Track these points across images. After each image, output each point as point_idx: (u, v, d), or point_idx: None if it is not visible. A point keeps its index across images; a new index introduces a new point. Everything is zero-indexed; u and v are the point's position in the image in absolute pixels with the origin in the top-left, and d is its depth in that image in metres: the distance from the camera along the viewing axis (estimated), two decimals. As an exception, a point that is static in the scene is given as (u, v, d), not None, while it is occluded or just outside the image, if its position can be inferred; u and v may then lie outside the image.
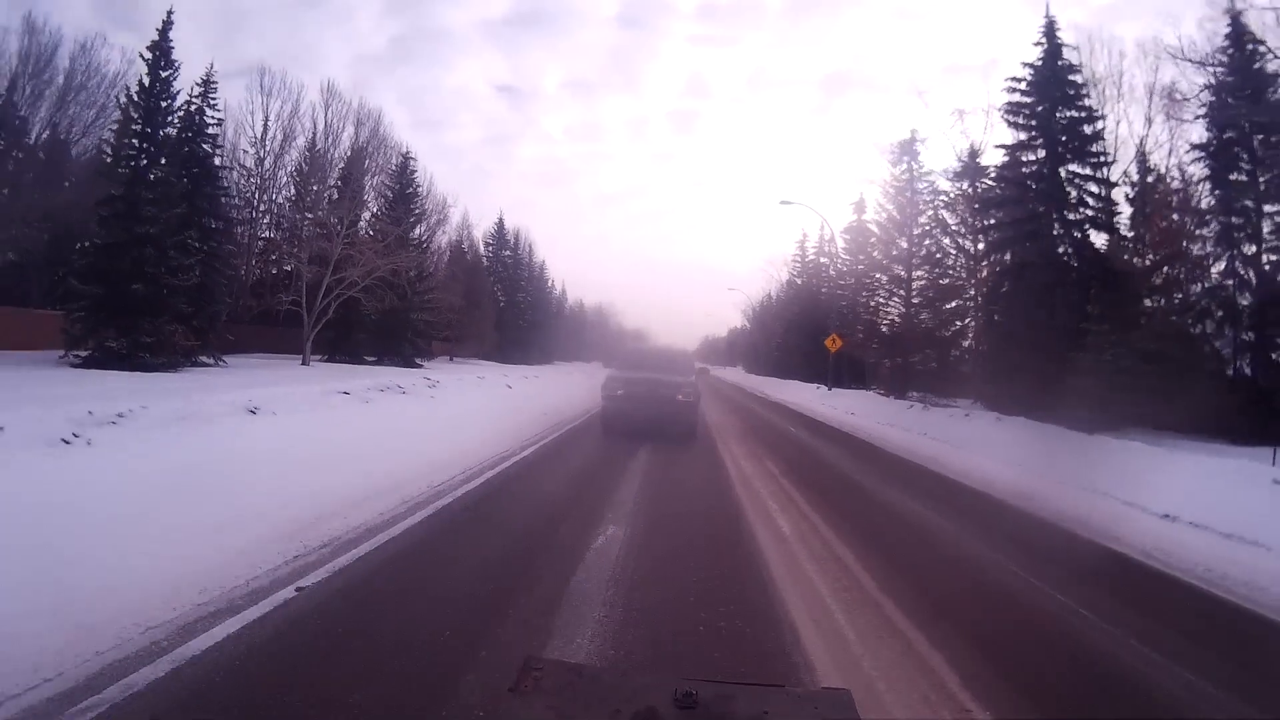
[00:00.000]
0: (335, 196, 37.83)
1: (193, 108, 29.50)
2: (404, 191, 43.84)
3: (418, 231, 44.64)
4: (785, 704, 1.43)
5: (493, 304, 60.08)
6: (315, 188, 38.77)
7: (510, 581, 5.89)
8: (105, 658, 4.18)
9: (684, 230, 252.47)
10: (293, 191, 41.03)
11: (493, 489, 9.58)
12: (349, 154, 42.27)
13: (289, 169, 43.00)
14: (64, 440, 8.35)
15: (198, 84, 30.33)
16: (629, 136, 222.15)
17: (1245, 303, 22.48)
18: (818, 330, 41.07)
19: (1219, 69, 23.69)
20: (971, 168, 32.36)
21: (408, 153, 45.12)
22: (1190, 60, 24.41)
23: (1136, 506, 10.89)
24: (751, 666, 4.89)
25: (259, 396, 13.28)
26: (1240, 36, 22.97)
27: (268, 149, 43.26)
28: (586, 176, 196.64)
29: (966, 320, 33.21)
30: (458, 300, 46.44)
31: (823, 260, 54.08)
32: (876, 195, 39.43)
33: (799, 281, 60.08)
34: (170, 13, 26.59)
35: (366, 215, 39.88)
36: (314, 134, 43.70)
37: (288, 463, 9.27)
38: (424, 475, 9.59)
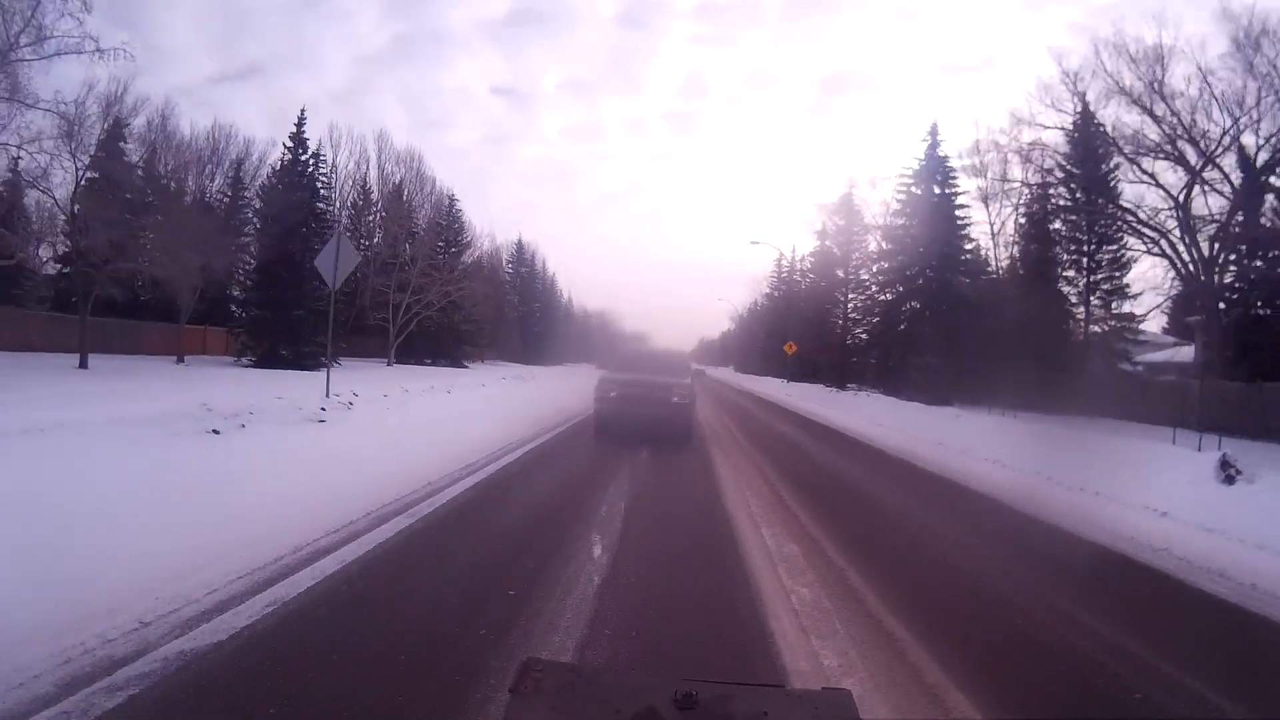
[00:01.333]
0: (413, 236, 40.61)
1: (308, 169, 32.25)
2: (451, 225, 45.48)
3: (463, 258, 45.84)
4: (785, 704, 1.16)
5: (514, 313, 60.07)
6: (395, 229, 40.29)
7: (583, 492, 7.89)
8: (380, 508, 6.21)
9: (682, 230, 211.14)
10: (377, 231, 42.23)
11: (570, 429, 14.14)
12: (399, 192, 43.06)
13: (357, 206, 43.28)
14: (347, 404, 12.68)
15: (289, 147, 32.17)
16: (628, 136, 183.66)
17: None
18: (787, 336, 41.90)
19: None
20: (884, 224, 36.11)
21: (452, 195, 46.45)
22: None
23: (925, 440, 15.95)
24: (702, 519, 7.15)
25: (438, 384, 20.56)
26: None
27: (336, 192, 42.53)
28: (585, 176, 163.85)
29: (875, 332, 36.70)
30: (491, 312, 47.81)
31: (795, 278, 53.99)
32: (828, 232, 43.25)
33: (776, 294, 59.76)
34: (303, 111, 32.49)
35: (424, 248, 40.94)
36: (375, 178, 44.01)
37: (466, 419, 13.21)
38: (521, 432, 12.53)
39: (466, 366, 39.64)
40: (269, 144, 54.88)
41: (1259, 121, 20.10)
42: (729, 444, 13.58)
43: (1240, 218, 21.06)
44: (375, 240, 41.28)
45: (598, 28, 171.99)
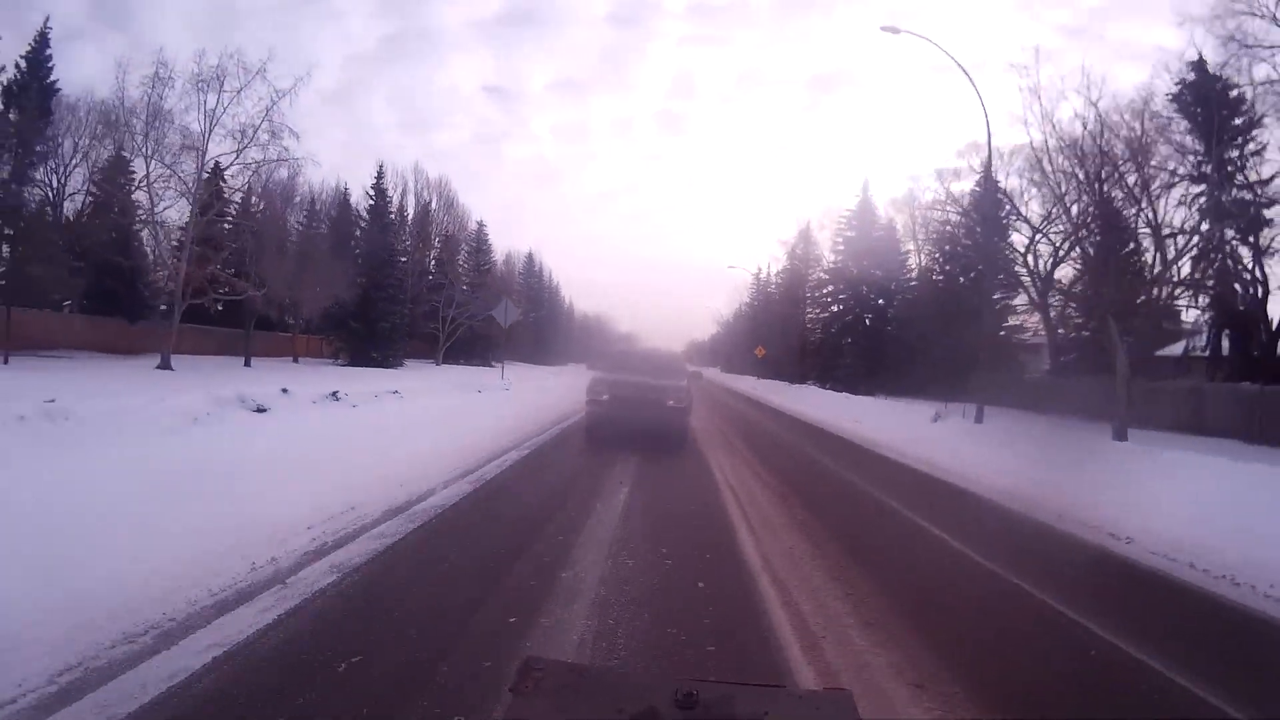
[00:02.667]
0: (464, 257, 43.11)
1: (389, 215, 36.18)
2: (481, 248, 46.58)
3: (491, 274, 47.57)
4: (786, 705, 0.97)
5: (526, 318, 59.18)
6: (445, 255, 42.90)
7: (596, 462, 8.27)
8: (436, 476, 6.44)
9: (672, 230, 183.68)
10: (432, 256, 43.54)
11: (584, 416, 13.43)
12: (448, 229, 44.14)
13: (413, 236, 42.98)
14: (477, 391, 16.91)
15: (372, 195, 35.73)
16: (618, 136, 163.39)
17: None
18: (761, 342, 43.22)
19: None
20: (825, 257, 39.78)
21: (480, 221, 47.40)
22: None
23: (846, 418, 17.60)
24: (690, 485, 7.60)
25: (511, 376, 23.59)
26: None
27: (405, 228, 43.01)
28: (575, 176, 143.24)
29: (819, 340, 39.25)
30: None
31: (770, 290, 52.94)
32: (795, 254, 45.23)
33: (755, 304, 58.36)
34: (381, 165, 35.46)
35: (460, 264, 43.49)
36: (410, 202, 43.59)
37: (569, 390, 16.23)
38: (556, 412, 13.63)
39: (493, 365, 39.20)
40: (324, 179, 53.99)
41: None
42: (703, 415, 15.64)
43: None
44: (429, 263, 42.63)
45: (589, 27, 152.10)
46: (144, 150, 19.67)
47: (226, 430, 7.20)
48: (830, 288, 36.80)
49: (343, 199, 36.15)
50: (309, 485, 5.22)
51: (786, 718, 0.91)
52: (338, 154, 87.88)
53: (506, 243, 63.44)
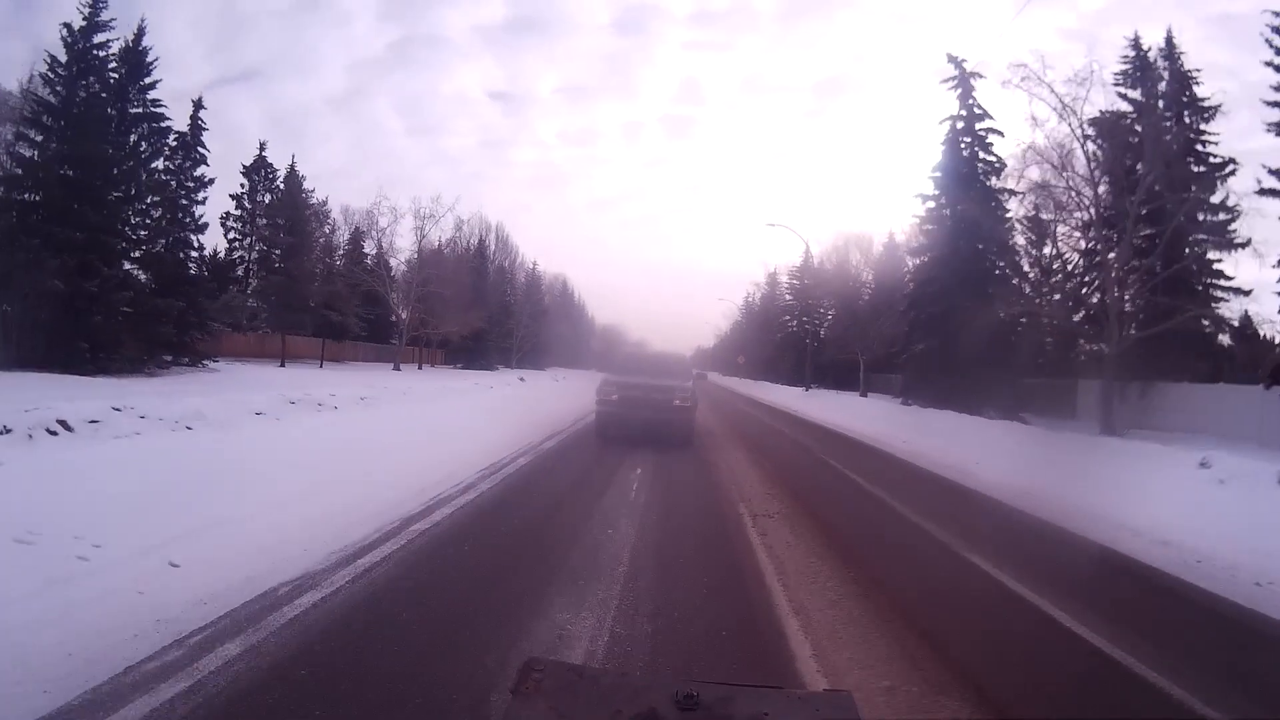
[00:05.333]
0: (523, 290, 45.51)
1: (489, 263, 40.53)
2: (534, 284, 48.35)
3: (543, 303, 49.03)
4: (786, 705, 0.79)
5: (563, 332, 59.30)
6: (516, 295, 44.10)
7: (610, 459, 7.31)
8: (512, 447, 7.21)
9: (680, 235, 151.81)
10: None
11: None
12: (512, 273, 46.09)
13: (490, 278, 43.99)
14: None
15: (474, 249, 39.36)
16: (624, 141, 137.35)
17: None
18: (746, 351, 46.01)
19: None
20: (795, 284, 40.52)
21: (535, 262, 49.04)
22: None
23: (771, 393, 21.50)
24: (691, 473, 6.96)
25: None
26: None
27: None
28: (582, 181, 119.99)
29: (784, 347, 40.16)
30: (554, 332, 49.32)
31: (754, 310, 53.35)
32: (774, 280, 46.89)
33: (743, 321, 58.51)
34: (497, 230, 41.10)
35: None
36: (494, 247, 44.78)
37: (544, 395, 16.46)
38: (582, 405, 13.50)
39: (545, 370, 41.04)
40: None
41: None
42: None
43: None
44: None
45: (594, 34, 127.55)
46: (377, 243, 28.88)
47: (450, 401, 11.77)
48: (786, 316, 41.51)
49: (477, 255, 39.53)
50: (481, 439, 7.15)
51: (786, 718, 0.76)
52: (339, 159, 79.17)
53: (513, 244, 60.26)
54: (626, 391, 8.60)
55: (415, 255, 28.61)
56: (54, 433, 4.68)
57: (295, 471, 4.52)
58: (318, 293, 25.17)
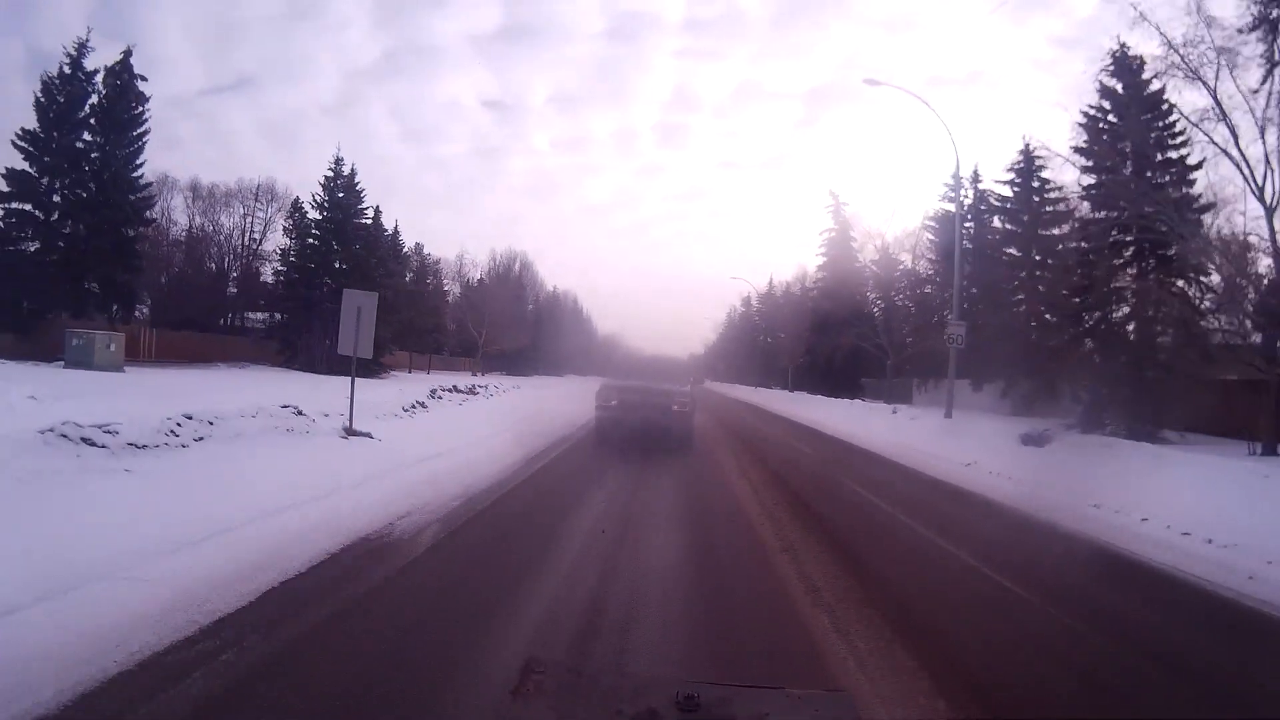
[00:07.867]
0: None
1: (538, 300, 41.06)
2: (554, 304, 45.45)
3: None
4: (786, 706, 0.65)
5: (575, 344, 58.54)
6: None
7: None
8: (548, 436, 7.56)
9: (674, 243, 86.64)
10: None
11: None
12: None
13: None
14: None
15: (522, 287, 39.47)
16: (616, 150, 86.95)
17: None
18: (730, 359, 45.99)
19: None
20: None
21: (555, 287, 45.85)
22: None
23: (753, 394, 21.78)
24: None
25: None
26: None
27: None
28: (575, 189, 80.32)
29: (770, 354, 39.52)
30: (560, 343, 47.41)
31: (736, 320, 50.91)
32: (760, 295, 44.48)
33: (729, 333, 55.17)
34: (552, 286, 41.41)
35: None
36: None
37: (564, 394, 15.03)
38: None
39: (563, 376, 40.48)
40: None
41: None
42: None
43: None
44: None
45: (586, 42, 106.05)
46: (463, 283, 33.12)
47: (550, 390, 14.40)
48: (762, 334, 43.34)
49: (518, 283, 40.69)
50: (558, 417, 8.78)
51: (786, 718, 0.64)
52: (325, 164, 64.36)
53: (504, 246, 50.92)
54: (625, 396, 7.44)
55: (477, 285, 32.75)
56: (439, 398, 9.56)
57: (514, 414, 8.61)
58: (427, 322, 29.47)
